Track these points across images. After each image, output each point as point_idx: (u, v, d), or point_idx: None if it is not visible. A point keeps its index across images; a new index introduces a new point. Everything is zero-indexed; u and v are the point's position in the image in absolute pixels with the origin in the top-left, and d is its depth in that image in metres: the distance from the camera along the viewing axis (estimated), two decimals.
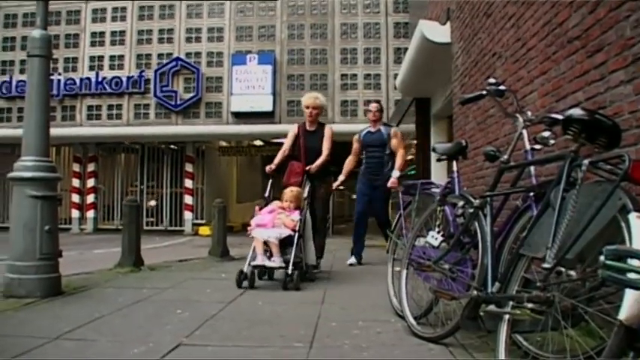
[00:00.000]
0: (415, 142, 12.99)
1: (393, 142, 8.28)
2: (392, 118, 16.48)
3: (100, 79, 20.57)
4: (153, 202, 22.54)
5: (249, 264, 6.07)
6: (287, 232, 6.16)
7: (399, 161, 8.15)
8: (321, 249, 7.30)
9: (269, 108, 19.62)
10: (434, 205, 4.05)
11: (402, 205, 4.71)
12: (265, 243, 6.09)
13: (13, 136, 17.21)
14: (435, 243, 3.82)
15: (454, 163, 4.13)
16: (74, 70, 20.89)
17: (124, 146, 22.78)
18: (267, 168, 6.93)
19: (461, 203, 3.64)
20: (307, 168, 6.80)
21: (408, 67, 10.86)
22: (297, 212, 6.36)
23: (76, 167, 21.95)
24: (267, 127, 19.52)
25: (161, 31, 20.63)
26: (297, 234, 6.21)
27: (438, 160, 4.30)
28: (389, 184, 8.01)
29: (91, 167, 21.91)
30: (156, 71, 20.34)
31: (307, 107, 7.29)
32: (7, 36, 21.36)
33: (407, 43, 16.13)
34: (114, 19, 20.95)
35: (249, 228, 6.28)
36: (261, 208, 6.53)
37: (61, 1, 19.85)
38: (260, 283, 6.25)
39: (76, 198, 21.69)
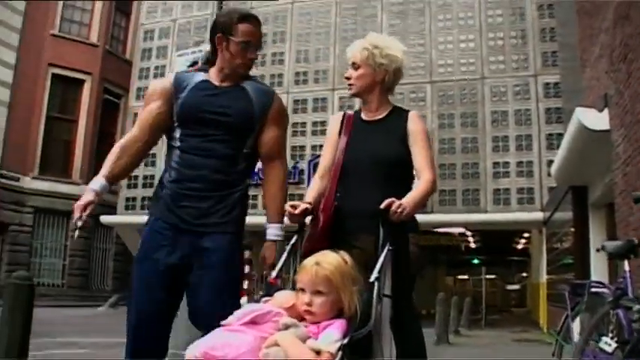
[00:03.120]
0: (573, 230, 12.47)
1: None
2: (546, 207, 15.98)
3: (256, 170, 21.36)
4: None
5: None
6: None
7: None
8: None
9: None
10: (606, 308, 3.85)
11: (570, 306, 4.53)
12: None
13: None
14: (609, 349, 3.61)
15: (626, 262, 3.93)
16: None
17: None
18: (288, 208, 3.18)
19: (637, 307, 3.44)
20: (385, 204, 2.89)
21: (563, 154, 10.59)
22: (335, 324, 2.41)
23: None
24: (419, 217, 19.24)
25: (314, 123, 21.34)
26: None
27: (609, 258, 4.12)
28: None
29: (245, 255, 22.59)
30: (309, 162, 20.92)
31: (354, 64, 3.51)
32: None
33: (559, 128, 15.78)
34: None
35: None
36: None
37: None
38: None
39: None
